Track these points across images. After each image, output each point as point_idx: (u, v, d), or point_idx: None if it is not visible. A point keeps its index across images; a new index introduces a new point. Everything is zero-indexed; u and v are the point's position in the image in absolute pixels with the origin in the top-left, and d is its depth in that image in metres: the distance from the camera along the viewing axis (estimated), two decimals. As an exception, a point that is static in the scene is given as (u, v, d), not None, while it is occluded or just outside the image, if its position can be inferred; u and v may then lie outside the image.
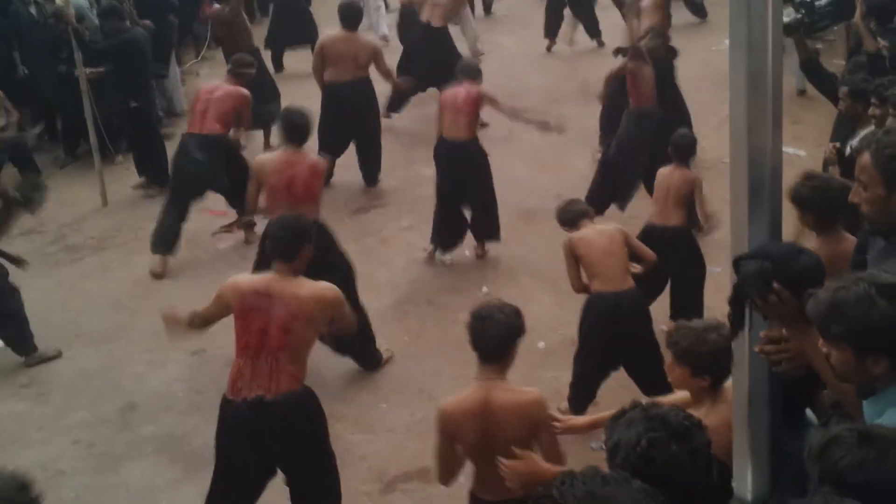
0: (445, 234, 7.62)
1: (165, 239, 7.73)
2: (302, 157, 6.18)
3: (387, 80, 9.01)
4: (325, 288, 4.52)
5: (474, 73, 7.59)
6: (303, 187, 6.06)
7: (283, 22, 11.96)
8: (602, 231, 5.61)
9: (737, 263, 2.72)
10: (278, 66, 11.77)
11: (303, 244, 4.58)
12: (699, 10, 12.99)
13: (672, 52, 8.38)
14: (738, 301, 2.75)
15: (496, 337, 3.76)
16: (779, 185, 2.79)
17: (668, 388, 5.28)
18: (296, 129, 6.23)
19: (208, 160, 7.56)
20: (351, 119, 8.68)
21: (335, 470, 4.77)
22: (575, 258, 5.56)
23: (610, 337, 5.47)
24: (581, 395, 5.57)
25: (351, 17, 8.64)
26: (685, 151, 6.41)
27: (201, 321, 4.72)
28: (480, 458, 3.80)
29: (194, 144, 7.64)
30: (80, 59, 8.56)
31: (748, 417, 2.86)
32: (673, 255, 6.13)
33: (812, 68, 6.63)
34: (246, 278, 4.70)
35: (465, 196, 7.56)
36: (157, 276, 7.68)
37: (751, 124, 2.68)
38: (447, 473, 3.90)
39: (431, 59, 9.80)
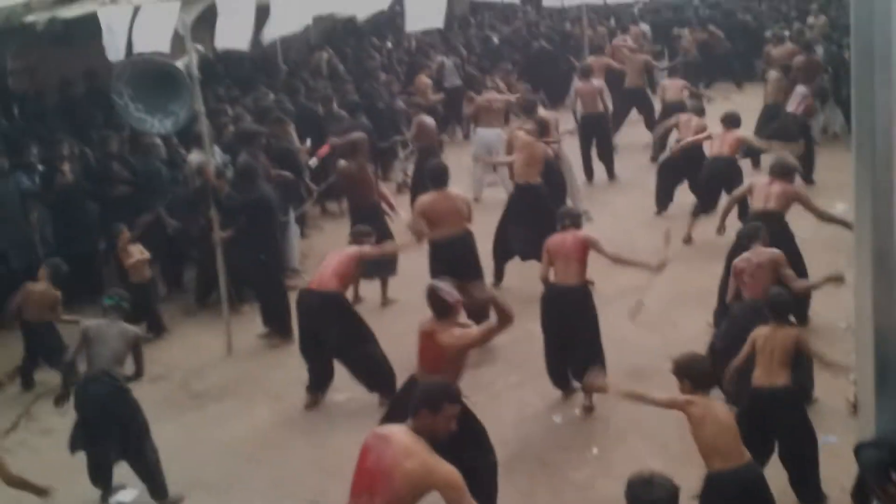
0: (555, 377, 7.85)
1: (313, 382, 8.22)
2: (442, 326, 6.16)
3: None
4: (442, 466, 4.43)
5: (576, 220, 7.93)
6: (430, 362, 6.12)
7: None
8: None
9: (857, 450, 2.72)
10: None
11: (422, 407, 4.59)
12: (807, 175, 13.04)
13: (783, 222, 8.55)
14: (860, 487, 2.74)
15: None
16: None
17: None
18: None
19: (321, 316, 7.90)
20: (457, 274, 8.89)
21: None
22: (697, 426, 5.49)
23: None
24: None
25: (440, 176, 9.03)
26: (783, 309, 6.37)
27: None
28: None
29: (308, 299, 8.02)
30: (215, 215, 9.09)
31: None
32: (782, 419, 6.06)
33: None
34: (380, 427, 4.82)
35: (574, 342, 7.71)
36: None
37: (877, 303, 2.72)
38: None
39: (526, 218, 10.05)
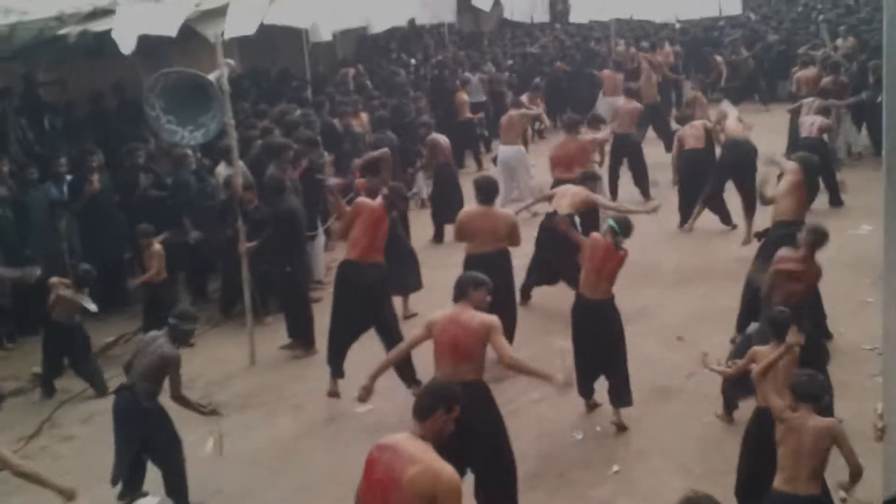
0: (580, 386, 7.83)
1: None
2: (469, 315, 6.28)
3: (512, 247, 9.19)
4: (446, 469, 4.47)
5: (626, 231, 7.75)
6: (464, 349, 6.19)
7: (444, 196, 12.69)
8: (816, 426, 5.26)
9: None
10: (439, 237, 12.58)
11: (437, 407, 4.63)
12: (835, 200, 13.03)
13: None
14: None
15: None
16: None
17: None
18: (460, 287, 6.47)
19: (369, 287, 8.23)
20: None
21: None
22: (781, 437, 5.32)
23: None
24: None
25: (487, 191, 9.00)
26: (782, 327, 6.16)
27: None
28: None
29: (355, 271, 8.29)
30: (242, 226, 9.18)
31: None
32: None
33: None
34: (384, 438, 4.77)
35: (599, 357, 7.74)
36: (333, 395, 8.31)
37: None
38: None
39: (558, 249, 10.00)
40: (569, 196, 10.17)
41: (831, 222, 11.37)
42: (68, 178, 11.01)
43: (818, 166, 12.67)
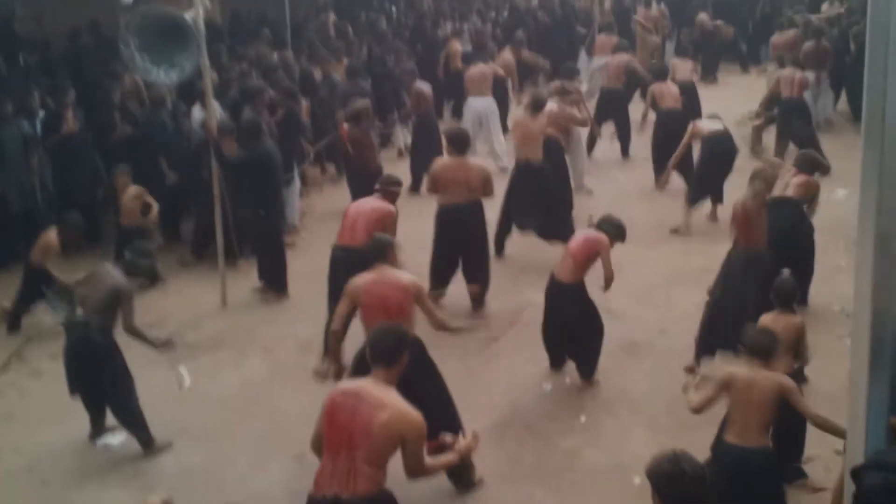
0: (551, 359, 7.84)
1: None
2: (393, 274, 6.29)
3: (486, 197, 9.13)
4: (413, 412, 4.57)
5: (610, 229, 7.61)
6: (396, 306, 6.17)
7: (423, 146, 12.52)
8: (764, 379, 5.28)
9: (857, 473, 2.68)
10: (416, 186, 12.35)
11: (402, 351, 4.74)
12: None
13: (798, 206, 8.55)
14: None
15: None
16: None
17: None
18: (379, 249, 6.45)
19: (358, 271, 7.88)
20: (461, 241, 8.94)
21: None
22: (723, 391, 5.36)
23: (734, 492, 5.15)
24: None
25: (459, 143, 8.99)
26: (788, 295, 6.32)
27: (313, 439, 4.84)
28: None
29: (346, 256, 7.87)
30: (216, 169, 9.08)
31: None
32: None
33: None
34: (343, 382, 4.85)
35: (568, 336, 7.65)
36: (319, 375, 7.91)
37: (876, 288, 2.72)
38: None
39: (534, 195, 10.02)
40: (530, 140, 10.19)
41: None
42: (41, 114, 10.84)
43: (796, 128, 12.78)
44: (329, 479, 4.56)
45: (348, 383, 4.76)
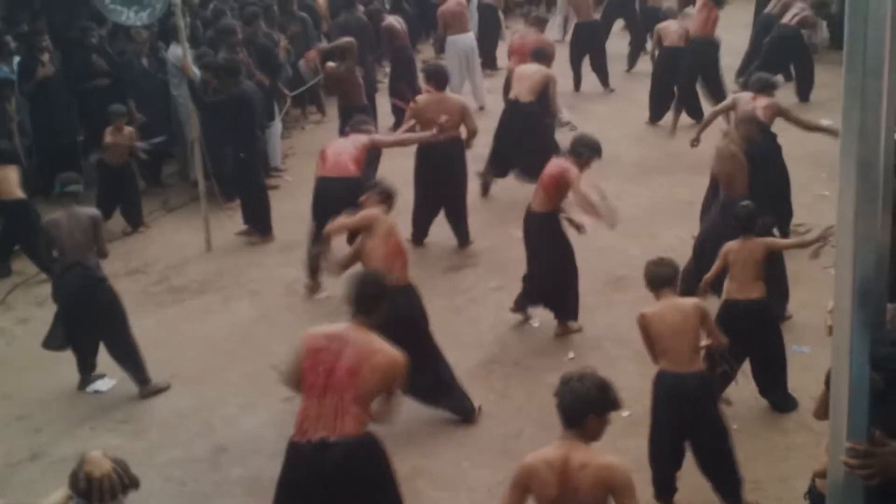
0: (528, 297, 7.74)
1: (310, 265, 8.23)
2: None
3: (472, 138, 9.07)
4: (398, 355, 4.67)
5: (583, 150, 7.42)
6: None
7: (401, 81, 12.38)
8: (678, 307, 5.43)
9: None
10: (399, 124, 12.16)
11: (381, 300, 4.82)
12: (804, 93, 12.98)
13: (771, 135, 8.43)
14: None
15: (571, 405, 3.89)
16: (885, 275, 2.81)
17: (733, 473, 5.29)
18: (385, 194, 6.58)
19: (345, 200, 7.86)
20: (441, 178, 8.92)
21: None
22: (646, 334, 5.50)
23: (672, 417, 5.37)
24: (659, 476, 5.50)
25: (438, 77, 8.94)
26: (748, 221, 6.32)
27: (289, 378, 4.84)
28: None
29: (331, 187, 7.93)
30: (193, 110, 8.98)
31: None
32: (753, 329, 6.15)
33: None
34: (322, 327, 4.87)
35: (543, 269, 7.52)
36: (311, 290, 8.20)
37: (858, 213, 2.71)
38: None
39: (523, 135, 9.93)
40: (527, 80, 10.06)
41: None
42: (16, 58, 10.68)
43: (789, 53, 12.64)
44: (314, 423, 4.57)
45: (328, 328, 4.77)
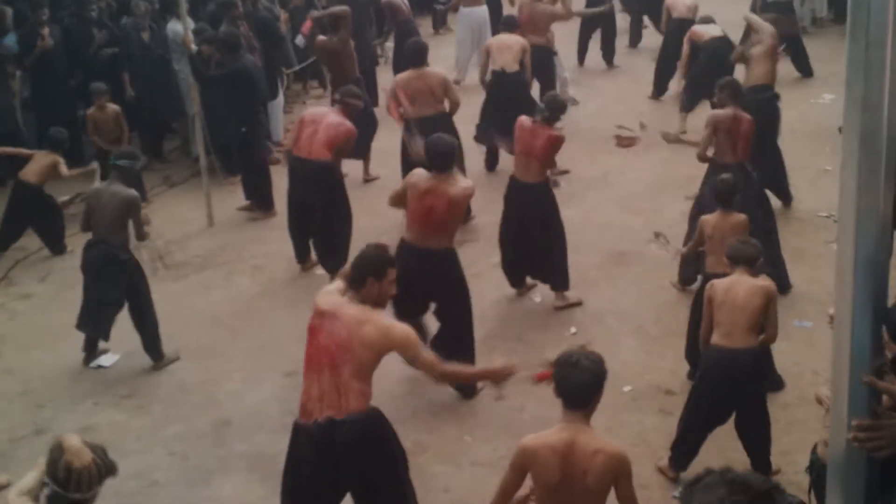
0: (509, 273, 7.75)
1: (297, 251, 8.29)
2: (445, 187, 6.28)
3: (454, 109, 9.00)
4: (394, 325, 4.61)
5: (553, 116, 7.46)
6: (440, 216, 6.28)
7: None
8: (747, 282, 5.34)
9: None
10: None
11: (366, 277, 4.66)
12: (804, 68, 12.89)
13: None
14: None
15: (583, 385, 3.85)
16: (888, 248, 2.80)
17: (768, 442, 5.30)
18: (439, 157, 6.40)
19: (314, 186, 7.83)
20: None
21: (409, 496, 4.84)
22: (710, 304, 5.41)
23: (719, 393, 5.34)
24: (685, 449, 5.50)
25: (418, 54, 8.95)
26: (727, 194, 6.31)
27: None
28: (554, 499, 3.86)
29: (302, 168, 7.90)
30: (194, 84, 8.94)
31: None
32: None
33: None
34: (323, 295, 4.78)
35: (532, 242, 7.50)
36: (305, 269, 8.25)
37: (861, 185, 2.69)
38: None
39: (506, 105, 9.83)
40: (507, 50, 10.02)
41: (793, 91, 11.43)
42: (13, 32, 10.62)
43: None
44: (317, 402, 4.55)
45: (325, 305, 4.68)
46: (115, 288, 6.84)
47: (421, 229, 6.30)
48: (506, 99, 9.86)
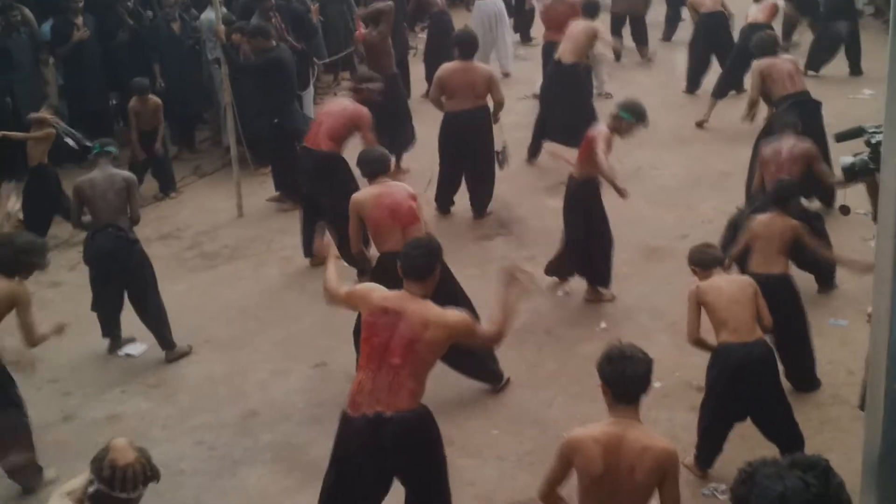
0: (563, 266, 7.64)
1: (304, 244, 8.19)
2: (394, 185, 6.40)
3: (499, 108, 8.90)
4: (453, 315, 4.55)
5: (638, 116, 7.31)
6: (407, 212, 6.26)
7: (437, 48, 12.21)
8: (731, 279, 5.52)
9: None
10: None
11: (436, 263, 4.68)
12: (855, 68, 12.64)
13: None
14: None
15: (641, 376, 3.84)
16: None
17: (797, 439, 5.21)
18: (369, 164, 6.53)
19: (319, 176, 7.81)
20: (467, 148, 8.82)
21: (447, 494, 4.80)
22: (700, 306, 5.44)
23: (739, 389, 5.28)
24: (709, 448, 5.44)
25: (467, 46, 8.80)
26: (781, 195, 6.23)
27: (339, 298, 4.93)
28: (598, 493, 3.80)
29: (308, 159, 7.91)
30: (226, 75, 8.93)
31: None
32: (774, 305, 5.97)
33: None
34: (378, 292, 4.69)
35: (576, 235, 7.40)
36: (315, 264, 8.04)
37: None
38: (550, 494, 3.95)
39: (561, 96, 9.79)
40: (571, 40, 9.93)
41: (832, 87, 11.26)
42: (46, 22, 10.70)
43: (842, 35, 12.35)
44: (368, 397, 4.49)
45: (387, 299, 4.59)
46: (121, 273, 6.83)
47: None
48: (556, 91, 9.80)
